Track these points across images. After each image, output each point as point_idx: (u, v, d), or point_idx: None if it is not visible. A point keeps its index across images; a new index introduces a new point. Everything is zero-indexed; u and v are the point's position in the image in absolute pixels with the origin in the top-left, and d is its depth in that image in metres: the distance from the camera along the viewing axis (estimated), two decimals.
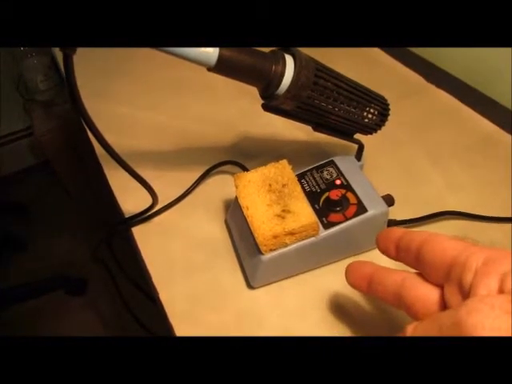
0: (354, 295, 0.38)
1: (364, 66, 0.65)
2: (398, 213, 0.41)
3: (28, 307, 1.19)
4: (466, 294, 0.21)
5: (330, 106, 0.36)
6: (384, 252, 0.28)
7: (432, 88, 0.60)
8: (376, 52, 0.67)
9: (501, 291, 0.19)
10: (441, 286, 0.24)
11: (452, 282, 0.22)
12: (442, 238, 0.24)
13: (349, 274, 0.30)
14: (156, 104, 0.60)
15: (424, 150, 0.51)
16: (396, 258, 0.27)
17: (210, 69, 0.32)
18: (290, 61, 0.33)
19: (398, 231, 0.27)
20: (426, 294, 0.24)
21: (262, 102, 0.38)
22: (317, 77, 0.34)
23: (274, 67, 0.33)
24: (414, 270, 0.26)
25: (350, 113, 0.38)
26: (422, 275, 0.25)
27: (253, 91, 0.37)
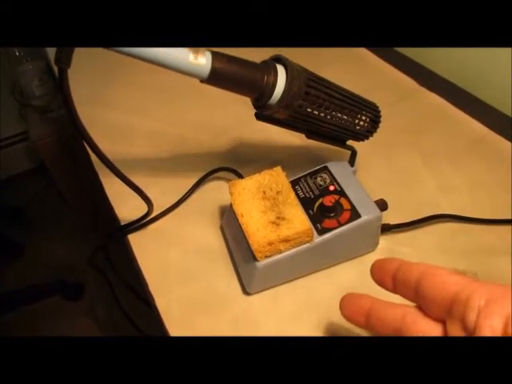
0: None
1: (357, 70, 0.65)
2: (391, 217, 0.42)
3: (25, 312, 1.19)
4: (470, 332, 0.21)
5: (322, 115, 0.36)
6: (380, 284, 0.27)
7: (424, 91, 0.60)
8: (369, 56, 0.68)
9: (505, 332, 0.19)
10: (442, 321, 0.23)
11: (454, 320, 0.22)
12: (442, 272, 0.23)
13: (344, 307, 0.28)
14: (151, 110, 0.60)
15: (416, 154, 0.52)
16: (393, 291, 0.27)
17: (202, 80, 0.32)
18: (281, 71, 0.34)
19: (393, 262, 0.26)
20: (427, 330, 0.24)
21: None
22: (308, 86, 0.34)
23: (266, 78, 0.33)
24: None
25: (342, 120, 0.38)
26: (422, 309, 0.25)
27: (247, 98, 0.38)
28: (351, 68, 0.65)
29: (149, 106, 0.61)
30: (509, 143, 0.52)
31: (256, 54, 0.37)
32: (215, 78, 0.32)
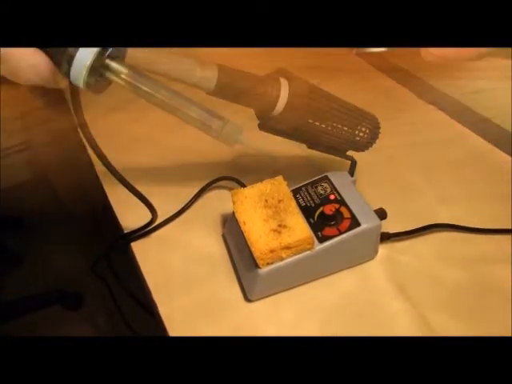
0: (350, 307, 0.39)
1: (357, 82, 0.66)
2: (390, 226, 0.43)
3: (24, 322, 1.19)
4: None
5: (323, 126, 0.38)
6: None
7: (423, 104, 0.62)
8: (368, 69, 0.69)
9: None
10: None
11: None
12: None
13: None
14: (155, 119, 0.61)
15: (416, 165, 0.53)
16: None
17: (208, 92, 0.33)
18: (284, 84, 0.35)
19: None
20: None
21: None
22: (310, 99, 0.35)
23: (269, 90, 0.34)
24: None
25: (343, 132, 0.39)
26: None
27: (251, 109, 0.39)
28: (352, 81, 0.66)
29: (153, 114, 0.62)
30: (509, 157, 0.53)
31: (258, 62, 0.38)
32: (220, 90, 0.33)
